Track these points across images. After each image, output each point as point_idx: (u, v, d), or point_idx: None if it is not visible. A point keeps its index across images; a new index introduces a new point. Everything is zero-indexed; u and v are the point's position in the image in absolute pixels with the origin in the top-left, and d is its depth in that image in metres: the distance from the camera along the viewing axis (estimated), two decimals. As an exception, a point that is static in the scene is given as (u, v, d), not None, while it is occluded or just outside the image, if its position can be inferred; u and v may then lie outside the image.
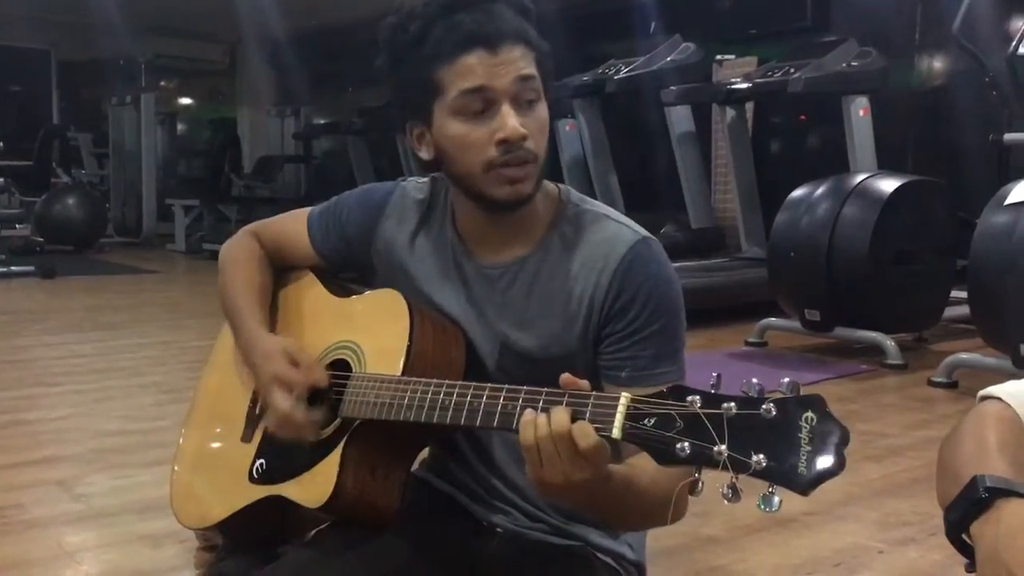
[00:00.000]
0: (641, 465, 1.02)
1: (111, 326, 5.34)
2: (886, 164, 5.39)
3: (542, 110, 1.18)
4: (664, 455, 0.88)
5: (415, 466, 1.31)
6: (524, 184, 1.17)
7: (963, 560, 0.94)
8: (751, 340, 4.84)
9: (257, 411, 1.33)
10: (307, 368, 1.23)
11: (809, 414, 0.83)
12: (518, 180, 1.16)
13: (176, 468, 1.41)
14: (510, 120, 1.13)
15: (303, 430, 1.20)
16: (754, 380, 0.87)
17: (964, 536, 0.92)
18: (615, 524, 1.25)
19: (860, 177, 4.54)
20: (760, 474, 0.83)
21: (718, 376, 0.89)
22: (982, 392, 1.07)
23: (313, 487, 1.18)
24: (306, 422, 1.20)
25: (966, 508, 0.91)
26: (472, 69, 1.13)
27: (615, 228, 1.23)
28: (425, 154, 1.22)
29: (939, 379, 3.90)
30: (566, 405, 0.96)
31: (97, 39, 10.36)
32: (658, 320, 1.18)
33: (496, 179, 1.16)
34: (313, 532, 1.30)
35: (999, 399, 1.03)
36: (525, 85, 1.15)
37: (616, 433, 0.92)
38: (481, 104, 1.14)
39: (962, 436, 1.01)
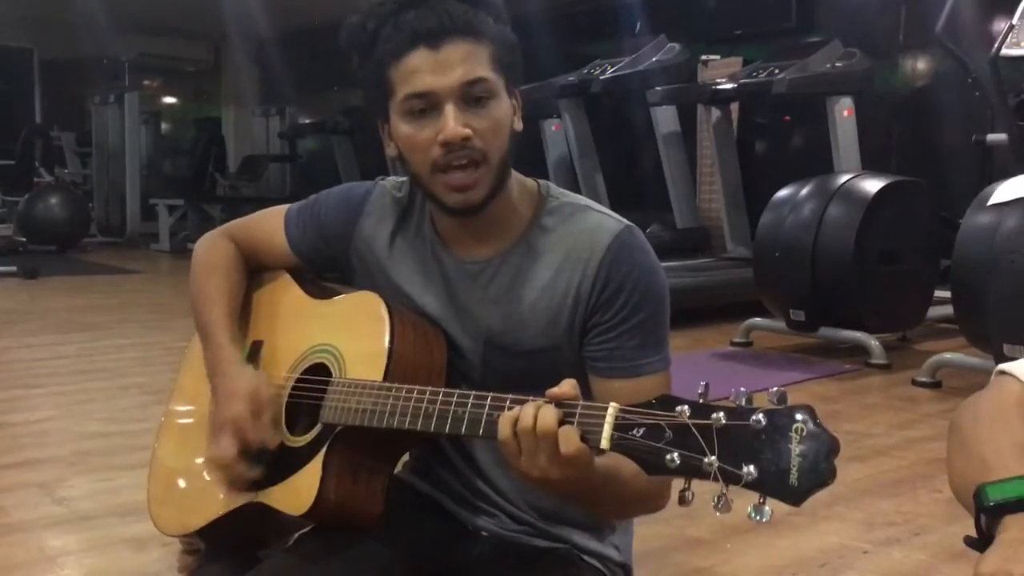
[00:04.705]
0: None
1: (94, 327, 5.30)
2: (870, 165, 5.41)
3: (497, 108, 1.15)
4: (653, 466, 0.87)
5: (397, 468, 1.30)
6: (474, 190, 1.14)
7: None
8: (736, 340, 4.85)
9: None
10: (264, 426, 1.20)
11: (799, 424, 0.83)
12: (465, 187, 1.14)
13: (153, 474, 1.39)
14: (450, 122, 1.11)
15: (234, 484, 1.19)
16: (742, 388, 0.86)
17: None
18: (598, 514, 1.24)
19: (844, 178, 4.55)
20: (751, 485, 0.82)
21: (706, 385, 0.89)
22: (1000, 367, 1.06)
23: (295, 495, 1.17)
24: (240, 479, 1.19)
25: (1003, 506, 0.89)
26: (415, 68, 1.12)
27: (598, 218, 1.23)
28: (391, 150, 1.21)
29: (923, 379, 3.92)
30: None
31: (80, 38, 10.29)
32: (644, 309, 1.18)
33: (443, 185, 1.15)
34: (295, 536, 1.29)
35: (1020, 380, 1.02)
36: (472, 84, 1.13)
37: (604, 444, 0.91)
38: (424, 104, 1.13)
39: (982, 417, 0.99)
